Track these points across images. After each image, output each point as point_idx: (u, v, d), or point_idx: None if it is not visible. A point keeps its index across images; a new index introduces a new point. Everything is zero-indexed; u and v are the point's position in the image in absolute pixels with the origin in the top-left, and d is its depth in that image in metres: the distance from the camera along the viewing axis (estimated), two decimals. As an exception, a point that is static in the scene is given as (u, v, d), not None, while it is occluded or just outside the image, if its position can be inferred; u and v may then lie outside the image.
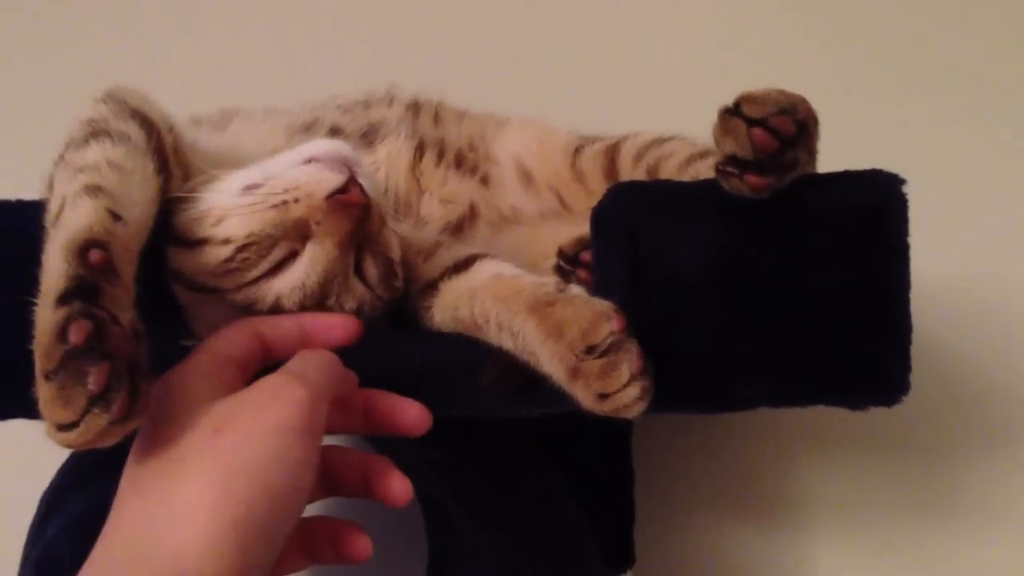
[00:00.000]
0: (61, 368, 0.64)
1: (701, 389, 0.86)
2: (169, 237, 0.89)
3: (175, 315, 0.92)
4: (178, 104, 1.03)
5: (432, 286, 0.97)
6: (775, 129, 0.78)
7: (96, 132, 0.86)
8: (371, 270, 0.91)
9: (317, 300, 0.88)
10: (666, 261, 0.85)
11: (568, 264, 0.97)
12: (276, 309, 0.87)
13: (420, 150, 1.22)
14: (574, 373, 0.78)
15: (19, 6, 1.76)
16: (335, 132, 1.22)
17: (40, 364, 0.65)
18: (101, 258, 0.71)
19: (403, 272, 0.97)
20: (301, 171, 0.88)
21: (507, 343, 0.84)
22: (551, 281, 0.85)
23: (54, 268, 0.70)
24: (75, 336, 0.64)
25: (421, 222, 1.18)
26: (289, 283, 0.87)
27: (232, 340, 0.81)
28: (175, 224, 0.89)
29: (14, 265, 0.77)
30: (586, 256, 0.92)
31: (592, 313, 0.78)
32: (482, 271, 0.94)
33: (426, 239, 1.07)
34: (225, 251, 0.86)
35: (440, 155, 1.23)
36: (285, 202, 0.87)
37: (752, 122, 0.79)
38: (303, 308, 0.88)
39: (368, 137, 1.22)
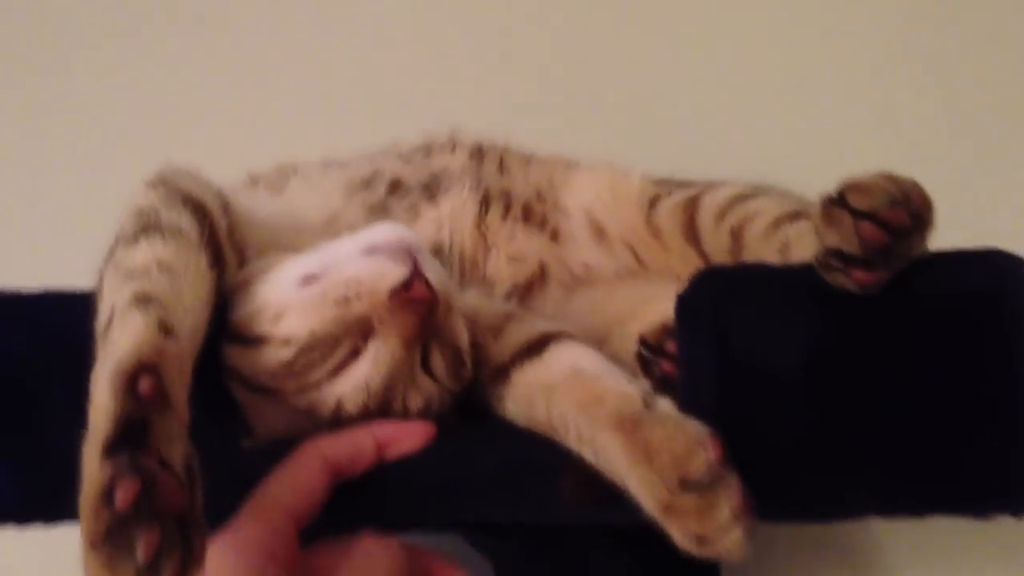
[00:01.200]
0: (108, 536, 0.59)
1: (800, 498, 0.79)
2: (225, 332, 0.84)
3: (232, 411, 0.86)
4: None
5: (503, 372, 0.90)
6: (886, 222, 0.70)
7: (146, 227, 0.82)
8: (439, 363, 0.85)
9: (382, 401, 0.82)
10: (760, 357, 0.78)
11: (651, 353, 0.89)
12: (338, 411, 0.82)
13: (485, 203, 1.16)
14: (667, 509, 0.71)
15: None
16: (396, 186, 1.16)
17: (86, 528, 0.60)
18: (151, 388, 0.66)
19: (472, 356, 0.91)
20: (361, 264, 0.83)
21: (588, 456, 0.78)
22: (636, 392, 0.78)
23: (101, 404, 0.65)
24: (122, 499, 0.59)
25: (488, 283, 1.12)
26: (352, 384, 0.81)
27: (299, 490, 0.77)
28: (231, 319, 0.85)
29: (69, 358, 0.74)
30: (670, 347, 0.85)
31: (685, 439, 0.71)
32: (558, 360, 0.88)
33: (495, 311, 1.01)
34: (286, 353, 0.81)
35: (507, 208, 1.16)
36: (346, 298, 0.81)
37: (860, 215, 0.70)
38: (367, 409, 0.82)
39: (430, 189, 1.16)
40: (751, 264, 0.91)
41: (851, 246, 0.71)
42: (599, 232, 1.13)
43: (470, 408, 0.93)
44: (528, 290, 1.11)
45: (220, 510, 0.81)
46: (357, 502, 0.83)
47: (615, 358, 1.04)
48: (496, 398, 0.90)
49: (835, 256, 0.72)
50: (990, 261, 0.78)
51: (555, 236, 1.14)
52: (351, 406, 0.82)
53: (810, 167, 1.50)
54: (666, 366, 0.86)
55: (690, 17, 1.59)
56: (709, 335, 0.79)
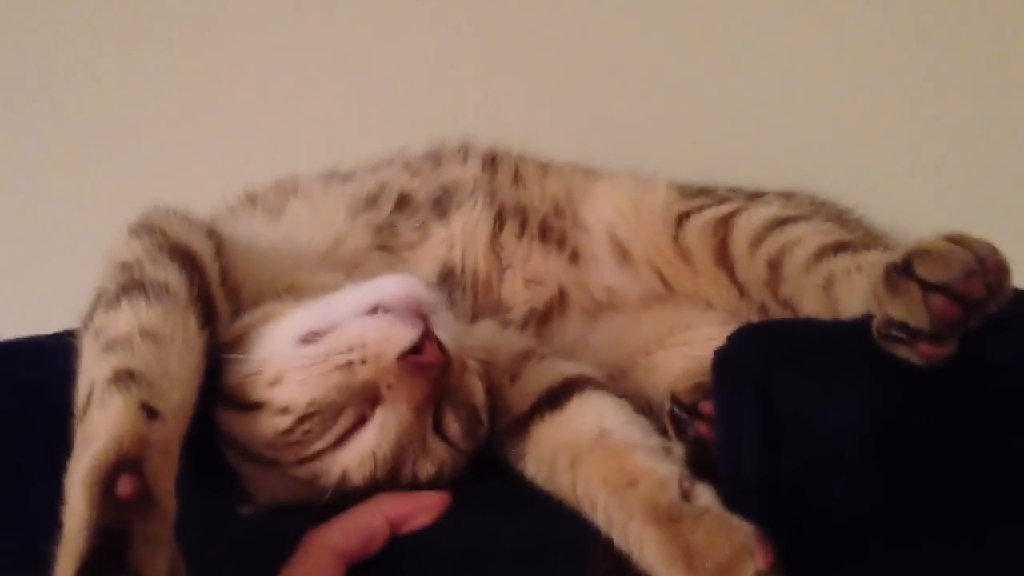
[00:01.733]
0: None
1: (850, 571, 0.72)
2: (219, 394, 0.77)
3: (228, 476, 0.79)
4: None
5: (522, 424, 0.83)
6: (960, 296, 0.62)
7: (129, 285, 0.74)
8: (453, 425, 0.78)
9: (390, 470, 0.75)
10: (809, 424, 0.71)
11: (684, 413, 0.82)
12: (343, 483, 0.75)
13: (500, 220, 1.08)
14: None
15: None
16: (403, 202, 1.08)
17: None
18: (132, 490, 0.59)
19: (488, 405, 0.83)
20: (367, 324, 0.75)
21: (618, 540, 0.70)
22: (672, 477, 0.71)
23: (76, 510, 0.59)
24: None
25: (503, 307, 1.04)
26: (358, 455, 0.74)
27: None
28: (225, 380, 0.77)
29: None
30: (706, 408, 0.77)
31: (731, 545, 0.64)
32: (581, 416, 0.81)
33: (511, 348, 0.93)
34: (283, 422, 0.73)
35: (523, 225, 1.08)
36: (350, 363, 0.73)
37: (930, 287, 0.62)
38: (374, 480, 0.75)
39: (441, 205, 1.08)
40: (799, 322, 0.83)
41: (919, 321, 0.63)
42: (622, 253, 1.05)
43: (486, 459, 0.86)
44: (547, 317, 1.04)
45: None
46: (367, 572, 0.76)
47: (640, 392, 0.97)
48: (515, 455, 0.83)
49: (900, 328, 0.64)
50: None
51: (575, 257, 1.06)
52: (357, 477, 0.75)
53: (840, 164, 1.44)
54: (701, 428, 0.78)
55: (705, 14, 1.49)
56: (752, 397, 0.71)
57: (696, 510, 0.68)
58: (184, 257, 0.79)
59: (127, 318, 0.72)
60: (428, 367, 0.74)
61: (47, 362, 0.80)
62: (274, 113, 1.48)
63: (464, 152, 1.16)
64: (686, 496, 0.69)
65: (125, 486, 0.59)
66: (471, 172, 1.12)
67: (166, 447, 0.65)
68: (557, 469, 0.77)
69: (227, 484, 0.80)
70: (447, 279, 1.03)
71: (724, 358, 0.73)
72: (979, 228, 0.73)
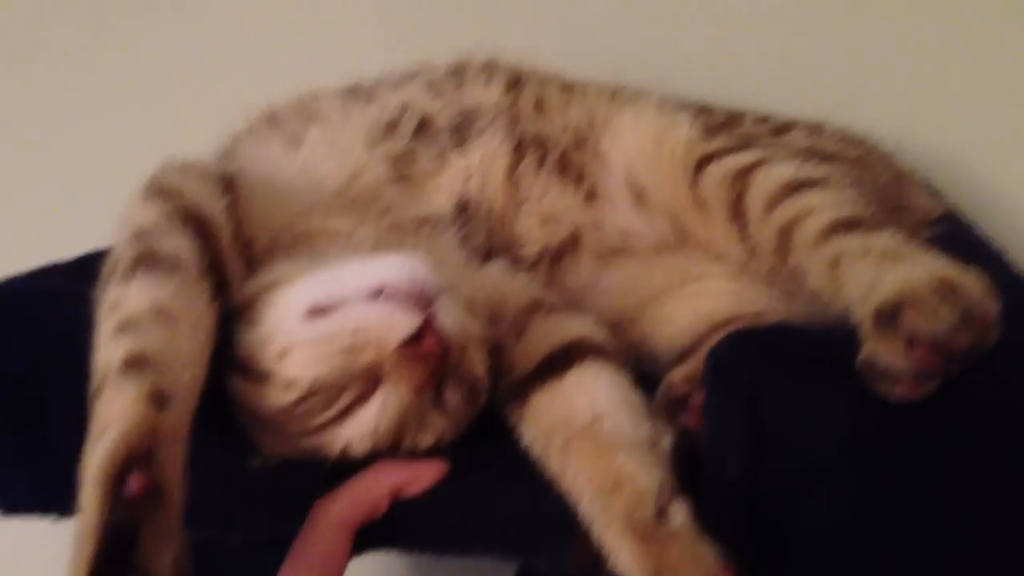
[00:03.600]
0: None
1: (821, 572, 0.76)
2: (229, 360, 0.80)
3: (238, 432, 0.84)
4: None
5: (522, 390, 0.86)
6: (943, 349, 0.62)
7: (142, 258, 0.76)
8: (453, 398, 0.81)
9: (391, 443, 0.79)
10: (791, 435, 0.73)
11: (676, 403, 0.84)
12: (345, 454, 0.79)
13: (519, 151, 1.07)
14: None
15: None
16: (423, 127, 1.07)
17: None
18: (142, 486, 0.63)
19: (491, 371, 0.86)
20: (370, 310, 0.77)
21: (597, 539, 0.74)
22: (652, 490, 0.74)
23: (88, 504, 0.63)
24: None
25: (517, 243, 1.05)
26: (359, 430, 0.78)
27: (325, 567, 0.76)
28: (236, 345, 0.80)
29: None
30: (697, 400, 0.79)
31: (697, 570, 0.67)
32: (579, 393, 0.83)
33: (520, 298, 0.95)
34: (288, 396, 0.77)
35: (542, 158, 1.07)
36: (353, 347, 0.76)
37: (914, 339, 0.63)
38: (375, 452, 0.79)
39: (460, 132, 1.07)
40: (791, 333, 0.83)
41: (900, 368, 0.64)
42: (639, 196, 1.04)
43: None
44: (559, 258, 1.05)
45: (228, 527, 0.81)
46: (369, 534, 0.82)
47: (646, 341, 0.99)
48: (514, 418, 0.86)
49: (881, 369, 0.65)
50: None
51: (592, 196, 1.05)
52: (358, 450, 0.79)
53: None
54: (691, 421, 0.80)
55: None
56: (740, 402, 0.73)
57: (669, 531, 0.71)
58: (198, 224, 0.80)
59: (140, 295, 0.74)
60: (427, 356, 0.76)
61: (67, 309, 0.84)
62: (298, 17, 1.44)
63: (488, 72, 1.14)
64: (662, 514, 0.72)
65: (135, 484, 0.64)
66: (493, 96, 1.11)
67: (176, 433, 0.69)
68: (550, 448, 0.81)
69: (238, 439, 0.84)
70: (463, 212, 1.04)
71: (716, 362, 0.75)
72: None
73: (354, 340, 0.76)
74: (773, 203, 0.93)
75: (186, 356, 0.73)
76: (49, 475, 0.88)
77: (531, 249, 1.05)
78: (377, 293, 0.78)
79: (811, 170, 0.95)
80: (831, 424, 0.71)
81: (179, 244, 0.78)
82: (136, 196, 0.82)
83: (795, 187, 0.93)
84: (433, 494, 0.81)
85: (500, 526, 0.80)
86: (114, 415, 0.67)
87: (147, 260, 0.76)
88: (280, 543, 0.81)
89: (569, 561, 0.76)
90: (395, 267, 0.79)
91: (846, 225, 0.86)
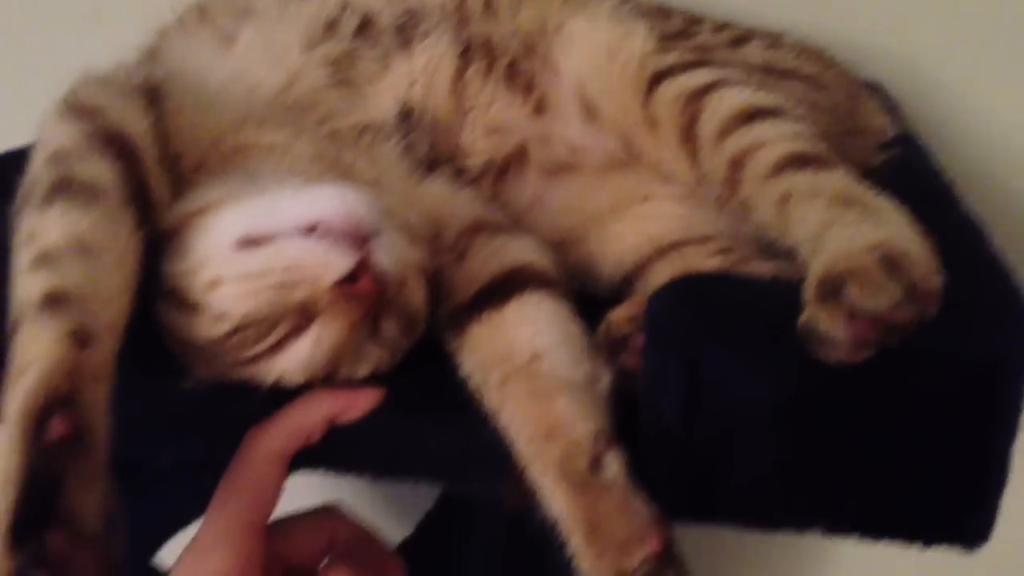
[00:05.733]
0: None
1: (746, 514, 0.78)
2: (157, 288, 0.77)
3: (169, 356, 0.82)
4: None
5: (461, 319, 0.85)
6: (884, 323, 0.62)
7: (59, 186, 0.73)
8: (390, 330, 0.79)
9: (326, 374, 0.78)
10: (727, 392, 0.74)
11: (616, 343, 0.83)
12: (278, 384, 0.78)
13: (466, 56, 1.03)
14: None
15: None
16: (365, 26, 1.02)
17: None
18: (64, 430, 0.62)
19: (431, 296, 0.85)
20: (304, 247, 0.74)
21: (531, 482, 0.75)
22: (587, 439, 0.74)
23: (7, 456, 0.61)
24: None
25: (461, 154, 1.02)
26: (293, 363, 0.76)
27: (259, 495, 0.76)
28: (164, 271, 0.78)
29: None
30: (638, 341, 0.79)
31: (628, 528, 0.69)
32: (518, 327, 0.82)
33: (462, 217, 0.93)
34: (219, 328, 0.75)
35: (489, 65, 1.03)
36: (284, 284, 0.74)
37: (856, 313, 0.62)
38: (310, 382, 0.78)
39: (404, 33, 1.02)
40: (733, 284, 0.82)
41: (839, 337, 0.64)
42: (590, 111, 1.01)
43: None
44: (504, 172, 1.02)
45: (159, 448, 0.81)
46: (302, 458, 0.81)
47: (591, 261, 0.99)
48: (452, 346, 0.85)
49: (821, 335, 0.65)
50: (994, 326, 0.70)
51: (540, 108, 1.02)
52: (292, 380, 0.78)
53: None
54: (630, 362, 0.80)
55: None
56: (678, 355, 0.73)
57: (603, 483, 0.72)
58: (120, 146, 0.76)
59: (59, 226, 0.71)
60: (362, 296, 0.74)
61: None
62: None
63: None
64: (596, 465, 0.73)
65: (57, 427, 0.62)
66: None
67: (99, 371, 0.67)
68: (488, 382, 0.80)
69: (168, 362, 0.83)
70: (405, 119, 1.00)
71: (656, 313, 0.74)
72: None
73: (287, 277, 0.74)
74: (725, 132, 0.90)
75: (109, 291, 0.70)
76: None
77: (476, 161, 1.01)
78: (311, 228, 0.75)
79: (766, 98, 0.92)
80: (768, 382, 0.71)
81: (100, 169, 0.74)
82: (53, 113, 0.78)
83: (749, 115, 0.90)
84: (368, 422, 0.80)
85: (434, 456, 0.80)
86: (34, 355, 0.65)
87: (65, 187, 0.72)
88: (210, 467, 0.81)
89: (503, 497, 0.77)
90: (331, 201, 0.76)
91: (798, 161, 0.84)
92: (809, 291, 0.67)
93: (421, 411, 0.82)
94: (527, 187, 1.01)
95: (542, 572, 0.80)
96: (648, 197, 1.00)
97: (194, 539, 0.75)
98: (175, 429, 0.82)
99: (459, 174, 1.00)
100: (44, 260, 0.69)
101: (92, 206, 0.71)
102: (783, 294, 0.71)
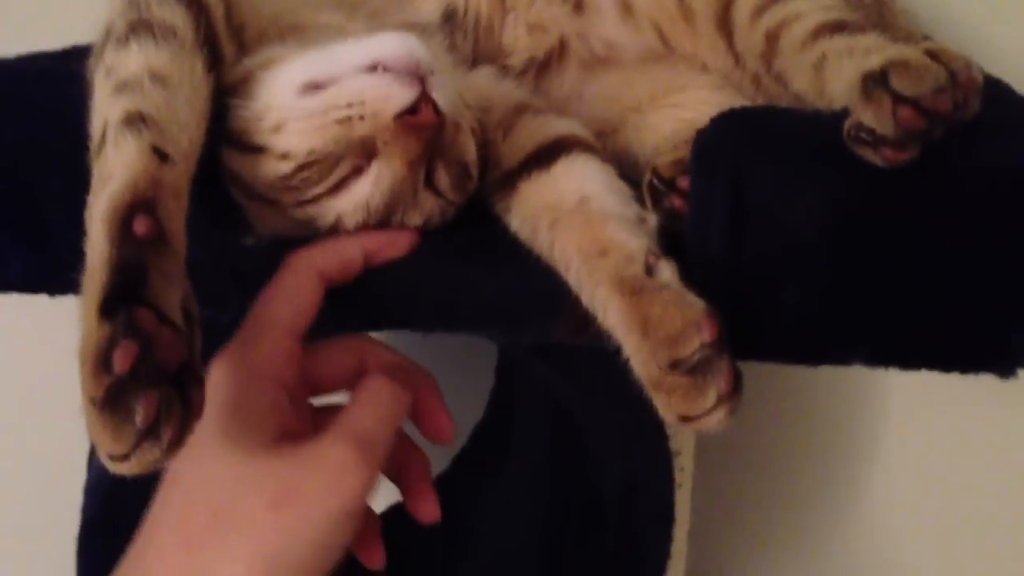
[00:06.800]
0: (107, 401, 0.60)
1: (794, 345, 0.80)
2: (224, 135, 0.81)
3: (233, 211, 0.85)
4: None
5: (510, 180, 0.88)
6: (928, 110, 0.65)
7: (137, 25, 0.77)
8: (444, 179, 0.82)
9: (382, 218, 0.81)
10: (774, 214, 0.75)
11: (662, 186, 0.86)
12: (337, 225, 0.81)
13: None
14: (656, 385, 0.72)
15: None
16: None
17: (86, 387, 0.61)
18: (148, 229, 0.65)
19: (480, 159, 0.88)
20: (366, 82, 0.78)
21: (585, 302, 0.78)
22: (640, 251, 0.77)
23: (96, 245, 0.65)
24: (120, 365, 0.60)
25: (503, 53, 1.05)
26: (352, 202, 0.80)
27: (295, 305, 0.78)
28: (230, 122, 0.81)
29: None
30: (683, 183, 0.82)
31: (682, 319, 0.71)
32: (567, 179, 0.85)
33: (507, 100, 0.96)
34: (284, 167, 0.78)
35: None
36: (348, 118, 0.77)
37: (900, 99, 0.65)
38: (366, 226, 0.81)
39: None
40: (778, 113, 0.85)
41: (886, 128, 0.67)
42: (626, 7, 1.04)
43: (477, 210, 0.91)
44: (545, 67, 1.05)
45: (221, 305, 0.84)
46: (350, 306, 0.84)
47: (629, 150, 1.02)
48: (502, 208, 0.88)
49: (867, 132, 0.68)
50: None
51: (579, 6, 1.06)
52: (350, 222, 0.81)
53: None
54: (676, 202, 0.83)
55: None
56: (724, 184, 0.76)
57: (657, 284, 0.74)
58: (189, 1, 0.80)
59: (137, 59, 0.74)
60: (423, 127, 0.77)
61: (59, 88, 0.84)
62: None
63: None
64: (650, 271, 0.76)
65: (141, 225, 0.65)
66: None
67: (177, 189, 0.71)
68: (538, 229, 0.83)
69: (232, 218, 0.86)
70: (449, 20, 1.04)
71: (703, 142, 0.77)
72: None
73: (350, 111, 0.77)
74: (760, 10, 0.94)
75: (184, 120, 0.74)
76: (42, 254, 0.89)
77: (517, 59, 1.05)
78: (372, 68, 0.78)
79: None
80: (812, 206, 0.74)
81: (175, 14, 0.78)
82: None
83: None
84: (423, 270, 0.83)
85: (490, 305, 0.82)
86: (117, 165, 0.68)
87: (143, 27, 0.76)
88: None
89: (557, 328, 0.79)
90: (391, 43, 0.80)
91: (832, 27, 0.87)
92: (854, 94, 0.70)
93: (475, 259, 0.84)
94: (566, 81, 1.05)
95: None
96: (684, 87, 1.03)
97: (237, 334, 0.77)
98: (237, 285, 0.85)
99: (502, 71, 1.04)
100: (124, 87, 0.73)
101: (168, 43, 0.75)
102: (829, 120, 0.74)
